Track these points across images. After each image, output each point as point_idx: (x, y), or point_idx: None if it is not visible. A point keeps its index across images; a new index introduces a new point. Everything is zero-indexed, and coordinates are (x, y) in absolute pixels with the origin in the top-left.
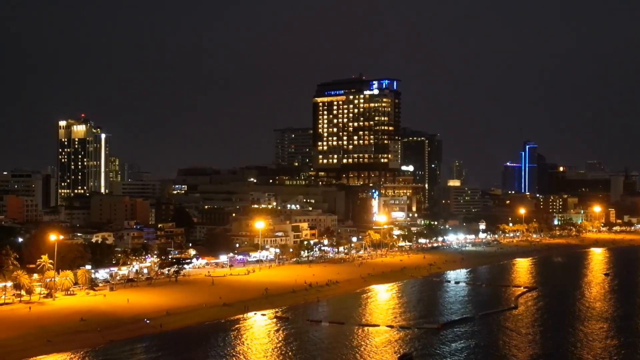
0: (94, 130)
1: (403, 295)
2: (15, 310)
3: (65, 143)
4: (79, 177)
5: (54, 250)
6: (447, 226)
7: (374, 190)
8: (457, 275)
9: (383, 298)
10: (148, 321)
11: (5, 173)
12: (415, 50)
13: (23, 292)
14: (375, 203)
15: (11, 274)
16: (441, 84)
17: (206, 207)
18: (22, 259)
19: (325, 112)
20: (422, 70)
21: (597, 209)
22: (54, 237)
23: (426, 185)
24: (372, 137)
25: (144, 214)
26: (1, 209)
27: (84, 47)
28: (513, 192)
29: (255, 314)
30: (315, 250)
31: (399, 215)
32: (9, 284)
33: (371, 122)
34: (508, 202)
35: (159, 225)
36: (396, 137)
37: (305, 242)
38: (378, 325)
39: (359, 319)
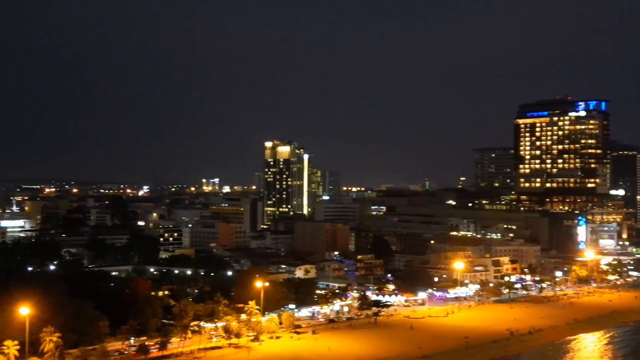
0: (297, 151)
1: (611, 350)
2: (226, 357)
3: (271, 163)
4: (284, 195)
5: (260, 294)
6: None
7: (580, 217)
8: None
9: (589, 354)
10: None
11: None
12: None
13: (232, 336)
14: (581, 231)
15: (221, 318)
16: None
17: (405, 232)
18: (231, 298)
19: (528, 134)
20: (633, 80)
21: None
22: (260, 284)
23: (638, 205)
24: (578, 160)
25: (344, 240)
26: (213, 235)
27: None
28: None
29: None
30: (517, 288)
31: (608, 244)
32: (220, 324)
33: (577, 145)
34: None
35: (358, 257)
36: (604, 161)
37: (507, 279)
38: None
39: None
